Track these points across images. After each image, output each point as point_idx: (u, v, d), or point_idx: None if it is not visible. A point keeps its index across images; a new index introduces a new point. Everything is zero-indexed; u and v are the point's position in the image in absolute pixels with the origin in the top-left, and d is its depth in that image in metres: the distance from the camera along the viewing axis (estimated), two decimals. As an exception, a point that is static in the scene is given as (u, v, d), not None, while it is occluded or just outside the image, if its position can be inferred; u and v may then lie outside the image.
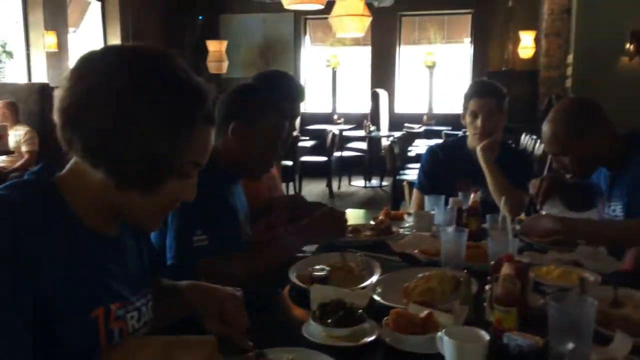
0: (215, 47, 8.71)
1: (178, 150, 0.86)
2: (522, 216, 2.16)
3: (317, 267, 1.51)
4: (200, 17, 9.21)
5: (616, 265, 1.66)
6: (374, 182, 7.96)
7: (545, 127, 1.85)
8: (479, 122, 2.29)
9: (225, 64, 8.76)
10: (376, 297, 1.37)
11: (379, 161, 7.27)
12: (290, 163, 6.26)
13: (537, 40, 8.13)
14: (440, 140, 4.57)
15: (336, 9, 5.57)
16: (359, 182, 8.04)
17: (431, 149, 2.55)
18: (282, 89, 2.09)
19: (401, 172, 5.77)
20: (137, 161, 0.85)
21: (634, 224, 1.70)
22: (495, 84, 2.42)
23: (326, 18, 6.03)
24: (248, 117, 1.63)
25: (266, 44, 9.47)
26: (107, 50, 0.92)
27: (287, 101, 2.01)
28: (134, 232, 1.04)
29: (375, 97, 8.55)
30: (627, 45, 6.75)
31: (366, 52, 9.58)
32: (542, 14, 7.97)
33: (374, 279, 1.51)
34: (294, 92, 2.17)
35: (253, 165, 1.69)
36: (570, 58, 7.20)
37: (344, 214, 1.78)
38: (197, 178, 0.94)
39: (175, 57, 0.90)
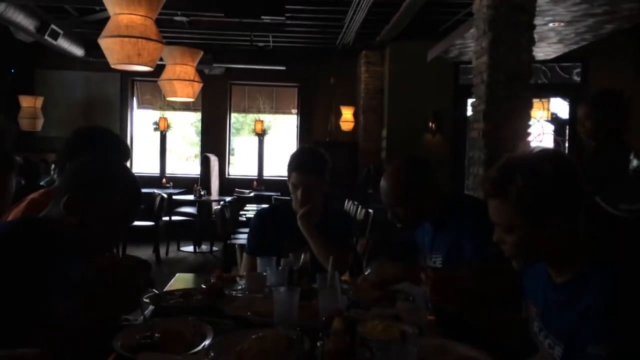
0: (28, 102, 8.02)
1: None
2: (346, 276, 2.27)
3: (145, 334, 1.41)
4: (12, 70, 8.44)
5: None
6: (204, 247, 7.79)
7: (383, 182, 2.06)
8: (299, 193, 2.39)
9: (40, 122, 8.09)
10: (208, 362, 1.32)
11: (210, 226, 7.16)
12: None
13: (356, 115, 8.92)
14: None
15: (166, 73, 5.53)
16: (188, 248, 7.80)
17: (259, 213, 2.59)
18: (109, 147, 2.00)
19: (232, 236, 5.74)
20: None
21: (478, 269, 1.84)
22: (316, 155, 2.43)
23: (155, 81, 5.93)
24: (84, 191, 1.47)
25: (89, 102, 8.95)
26: None
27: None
28: None
29: (205, 162, 8.51)
30: (430, 124, 7.76)
31: (197, 117, 9.59)
32: (359, 92, 8.81)
33: (206, 343, 1.46)
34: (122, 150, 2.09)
35: (88, 244, 1.50)
36: (384, 132, 8.02)
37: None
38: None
39: None
